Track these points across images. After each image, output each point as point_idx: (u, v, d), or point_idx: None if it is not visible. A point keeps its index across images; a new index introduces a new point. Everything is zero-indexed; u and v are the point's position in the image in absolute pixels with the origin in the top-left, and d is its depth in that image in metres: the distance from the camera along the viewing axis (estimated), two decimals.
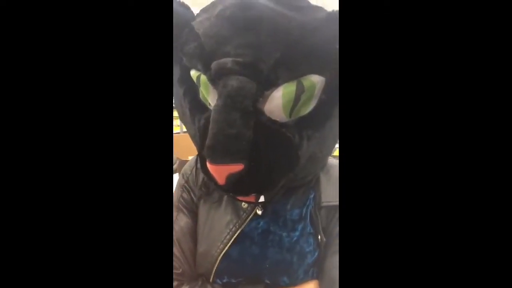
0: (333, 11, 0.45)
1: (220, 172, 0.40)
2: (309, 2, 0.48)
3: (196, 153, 0.49)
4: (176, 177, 1.39)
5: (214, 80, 0.42)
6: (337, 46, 0.44)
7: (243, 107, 0.40)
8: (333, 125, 0.47)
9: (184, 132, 2.89)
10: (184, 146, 2.18)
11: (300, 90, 0.42)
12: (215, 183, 0.43)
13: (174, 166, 1.67)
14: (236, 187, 0.42)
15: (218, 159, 0.40)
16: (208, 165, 0.41)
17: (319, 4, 0.48)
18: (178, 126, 2.94)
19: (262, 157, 0.41)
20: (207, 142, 0.40)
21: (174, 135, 2.58)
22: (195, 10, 0.51)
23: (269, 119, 0.42)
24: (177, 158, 1.88)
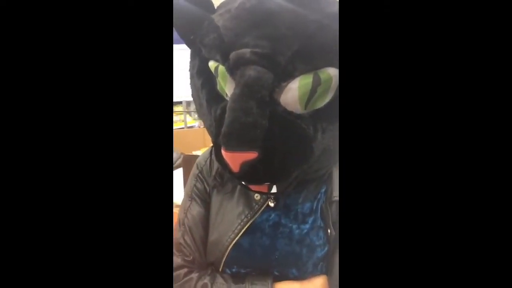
0: None
1: (234, 159, 0.41)
2: None
3: (199, 147, 0.50)
4: (179, 172, 1.39)
5: (232, 70, 0.43)
6: None
7: (260, 96, 0.40)
8: None
9: (188, 127, 2.90)
10: (188, 141, 2.19)
11: (316, 83, 0.42)
12: (229, 170, 0.44)
13: (179, 161, 1.68)
14: (250, 175, 0.43)
15: (233, 146, 0.40)
16: (223, 152, 0.42)
17: None
18: (182, 121, 2.95)
19: (276, 146, 0.42)
20: (223, 129, 0.41)
21: (178, 130, 2.59)
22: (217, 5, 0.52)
23: (285, 110, 0.43)
24: (181, 153, 1.89)
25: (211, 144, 0.55)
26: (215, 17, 0.48)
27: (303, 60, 0.42)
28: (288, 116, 0.43)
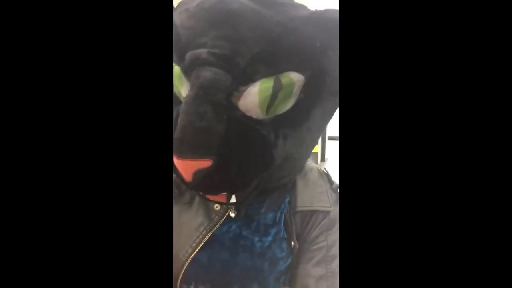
0: (316, 10, 0.44)
1: (187, 167, 0.38)
2: (291, 0, 0.47)
3: None
4: None
5: (187, 71, 0.40)
6: (318, 44, 0.43)
7: (216, 100, 0.38)
8: (311, 126, 0.46)
9: None
10: None
11: (277, 87, 0.40)
12: (182, 179, 0.41)
13: None
14: (204, 185, 0.40)
15: (186, 154, 0.37)
16: (175, 160, 0.39)
17: (302, 2, 0.47)
18: None
19: (233, 154, 0.39)
20: (175, 134, 0.38)
21: None
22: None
23: (244, 115, 0.41)
24: None
25: None
26: (173, 16, 0.45)
27: (264, 63, 0.40)
28: (247, 121, 0.41)
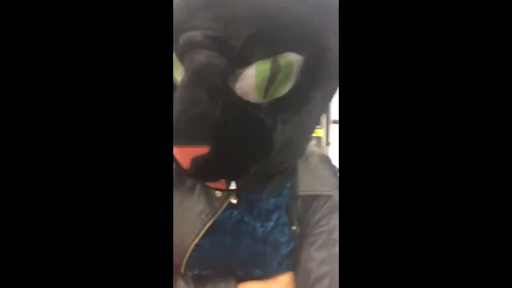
0: None
1: (183, 155, 0.38)
2: None
3: None
4: None
5: (181, 54, 0.39)
6: (317, 24, 0.41)
7: (211, 84, 0.37)
8: (312, 109, 0.45)
9: None
10: None
11: (275, 69, 0.39)
12: (180, 167, 0.40)
13: None
14: (202, 172, 0.39)
15: (182, 141, 0.37)
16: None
17: None
18: None
19: (230, 140, 0.39)
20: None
21: None
22: None
23: (240, 99, 0.39)
24: None
25: None
26: None
27: (261, 45, 0.39)
28: (244, 106, 0.40)
